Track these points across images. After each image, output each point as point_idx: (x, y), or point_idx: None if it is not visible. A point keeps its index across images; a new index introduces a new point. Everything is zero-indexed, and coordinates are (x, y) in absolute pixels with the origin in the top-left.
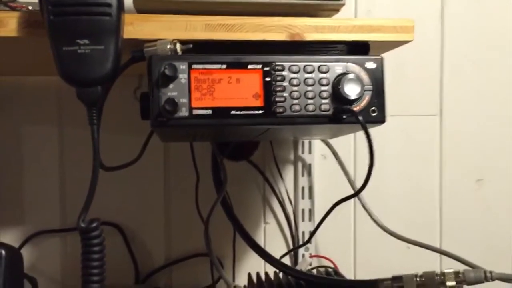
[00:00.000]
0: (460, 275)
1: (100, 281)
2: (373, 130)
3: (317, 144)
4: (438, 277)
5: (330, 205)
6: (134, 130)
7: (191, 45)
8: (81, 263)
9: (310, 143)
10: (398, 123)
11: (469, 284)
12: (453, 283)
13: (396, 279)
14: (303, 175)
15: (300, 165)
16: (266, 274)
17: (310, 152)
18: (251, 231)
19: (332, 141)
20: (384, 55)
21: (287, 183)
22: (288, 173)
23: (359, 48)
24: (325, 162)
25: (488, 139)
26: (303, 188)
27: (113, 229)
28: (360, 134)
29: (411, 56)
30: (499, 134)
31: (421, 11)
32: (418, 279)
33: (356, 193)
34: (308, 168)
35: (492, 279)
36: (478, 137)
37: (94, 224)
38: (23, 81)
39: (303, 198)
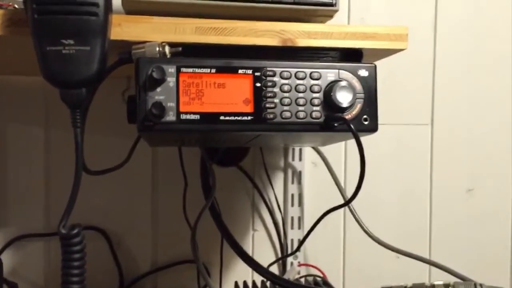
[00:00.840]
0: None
1: None
2: (364, 139)
3: (308, 152)
4: None
5: (320, 213)
6: (123, 133)
7: (180, 48)
8: (61, 270)
9: (300, 150)
10: (389, 132)
11: None
12: None
13: None
14: (293, 183)
15: (290, 172)
16: (254, 283)
17: (300, 159)
18: (239, 238)
19: (323, 149)
20: (376, 63)
21: (276, 190)
22: (278, 180)
23: (352, 56)
24: (316, 169)
25: (480, 149)
26: (292, 195)
27: (98, 233)
28: (351, 142)
29: (403, 65)
30: (490, 144)
31: (414, 20)
32: None
33: (347, 203)
34: (298, 176)
35: None
36: (470, 147)
37: (75, 231)
38: (9, 81)
39: (292, 205)
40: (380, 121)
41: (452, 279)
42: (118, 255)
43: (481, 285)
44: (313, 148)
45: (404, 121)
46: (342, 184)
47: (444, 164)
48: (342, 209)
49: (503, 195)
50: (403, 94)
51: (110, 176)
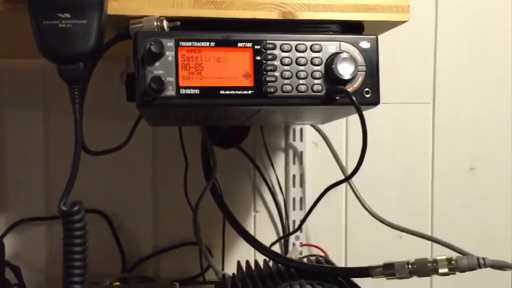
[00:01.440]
0: (452, 262)
1: (83, 267)
2: (366, 117)
3: (309, 132)
4: (430, 264)
5: (320, 192)
6: (123, 116)
7: (178, 23)
8: (63, 248)
9: (301, 130)
10: (391, 111)
11: (461, 271)
12: (446, 270)
13: (388, 266)
14: (294, 163)
15: (291, 152)
16: (256, 262)
17: (301, 139)
18: (241, 219)
19: (324, 129)
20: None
21: (277, 171)
22: (279, 161)
23: (353, 29)
24: (317, 150)
25: (482, 128)
26: (294, 176)
27: (100, 216)
28: (352, 121)
29: (405, 43)
30: (492, 123)
31: None
32: (410, 266)
33: (347, 178)
34: (299, 156)
35: (485, 266)
36: (472, 125)
37: (76, 208)
38: (8, 64)
39: (294, 186)
40: (382, 100)
41: (455, 255)
42: (120, 238)
43: (484, 258)
44: (314, 127)
45: (406, 99)
46: (344, 164)
47: (446, 143)
48: (344, 189)
49: (505, 174)
50: (405, 73)
51: (111, 158)
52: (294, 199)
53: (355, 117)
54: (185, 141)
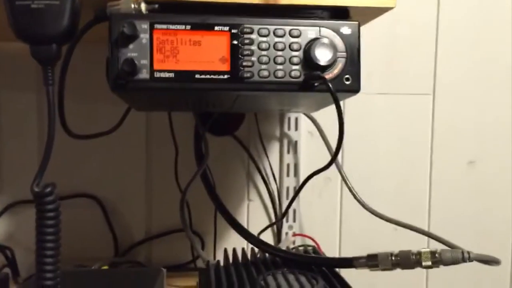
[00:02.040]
0: (436, 255)
1: (55, 248)
2: (363, 108)
3: (304, 121)
4: (413, 257)
5: (315, 183)
6: (115, 101)
7: (156, 5)
8: (36, 230)
9: (296, 119)
10: (390, 102)
11: (445, 264)
12: (429, 263)
13: (371, 257)
14: (288, 152)
15: (286, 142)
16: (243, 250)
17: (296, 128)
18: (234, 208)
19: (318, 118)
20: (376, 30)
21: (272, 160)
22: (274, 150)
23: (338, 15)
24: (312, 139)
25: (482, 121)
26: (288, 165)
27: (93, 201)
28: (348, 111)
29: (405, 33)
30: (492, 116)
31: None
32: (393, 258)
33: (327, 166)
34: (294, 145)
35: (470, 260)
36: (472, 118)
37: (49, 189)
38: (1, 47)
39: (288, 175)
40: (381, 90)
41: (440, 248)
42: (112, 223)
43: (468, 252)
44: (308, 116)
45: (406, 91)
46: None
47: (445, 135)
48: (339, 180)
49: (504, 167)
50: (405, 63)
51: (104, 143)
52: (287, 188)
53: (351, 106)
54: (179, 128)
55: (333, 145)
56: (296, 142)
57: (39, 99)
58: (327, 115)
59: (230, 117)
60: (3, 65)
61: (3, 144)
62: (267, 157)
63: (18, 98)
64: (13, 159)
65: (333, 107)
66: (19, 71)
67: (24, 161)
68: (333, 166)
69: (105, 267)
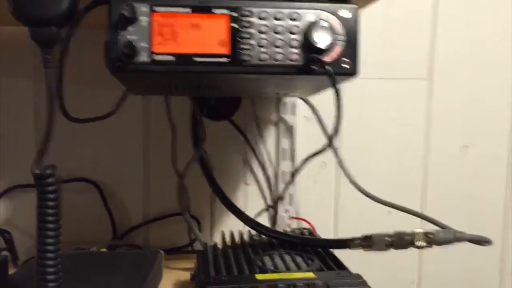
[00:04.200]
0: (430, 236)
1: (56, 229)
2: (359, 93)
3: (301, 106)
4: (407, 237)
5: (312, 167)
6: (115, 85)
7: None
8: (36, 212)
9: (293, 104)
10: (386, 86)
11: (438, 244)
12: (422, 243)
13: (366, 238)
14: (285, 137)
15: (282, 126)
16: (240, 232)
17: (293, 113)
18: (231, 192)
19: (315, 103)
20: (372, 15)
21: (268, 145)
22: (270, 134)
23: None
24: (308, 124)
25: (477, 106)
26: (284, 150)
27: (90, 185)
28: (344, 96)
29: (400, 17)
30: (488, 101)
31: None
32: (388, 238)
33: (324, 148)
34: (290, 130)
35: (462, 240)
36: (467, 103)
37: (49, 171)
38: None
39: (284, 160)
40: (377, 75)
41: (433, 229)
42: (110, 206)
43: (461, 232)
44: (305, 101)
45: (402, 75)
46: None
47: (440, 120)
48: (334, 164)
49: (498, 152)
50: (401, 48)
51: (102, 128)
52: (284, 172)
53: (346, 91)
54: (176, 112)
55: (330, 129)
56: (292, 126)
57: (35, 84)
58: (324, 100)
59: (226, 102)
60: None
61: (1, 129)
62: (264, 141)
63: (15, 83)
64: (10, 143)
65: (330, 92)
66: (16, 56)
67: (22, 145)
68: (329, 151)
69: (104, 250)
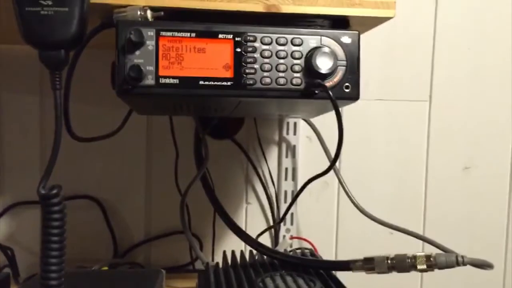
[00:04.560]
0: (431, 259)
1: (60, 249)
2: (361, 114)
3: (302, 126)
4: (409, 260)
5: (313, 187)
6: (121, 103)
7: (162, 13)
8: (41, 231)
9: (295, 124)
10: (386, 108)
11: (440, 268)
12: (424, 266)
13: (368, 260)
14: (287, 156)
15: (284, 146)
16: (242, 252)
17: (295, 133)
18: (233, 211)
19: (317, 123)
20: (374, 37)
21: (270, 164)
22: (272, 153)
23: (339, 24)
24: (310, 144)
25: (477, 127)
26: (286, 169)
27: (93, 202)
28: (346, 116)
29: (402, 40)
30: (488, 123)
31: None
32: (389, 261)
33: (326, 171)
34: (292, 149)
35: (464, 264)
36: (467, 124)
37: (55, 191)
38: (4, 50)
39: (286, 179)
40: (378, 96)
41: (435, 252)
42: (112, 224)
43: (462, 256)
44: (307, 121)
45: (402, 97)
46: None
47: (441, 142)
48: (336, 184)
49: (499, 174)
50: (402, 70)
51: (106, 146)
52: (285, 192)
53: (348, 112)
54: (179, 131)
55: (331, 149)
56: (294, 146)
57: (41, 101)
58: (325, 120)
59: (229, 121)
60: (7, 67)
61: (5, 145)
62: (266, 160)
63: (21, 100)
64: (14, 160)
65: (331, 112)
66: (22, 74)
67: (25, 162)
68: (331, 171)
69: (105, 268)
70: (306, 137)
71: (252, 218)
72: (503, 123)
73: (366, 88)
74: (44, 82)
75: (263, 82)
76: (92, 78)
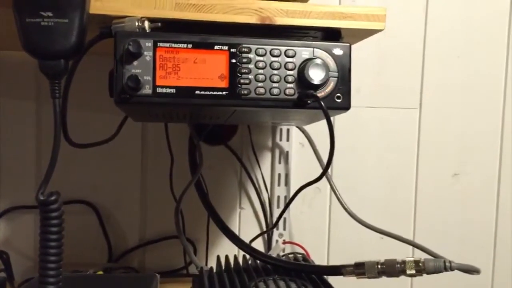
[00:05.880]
0: (420, 264)
1: (58, 254)
2: (352, 121)
3: (295, 132)
4: (398, 265)
5: (306, 193)
6: (114, 110)
7: (159, 24)
8: (39, 236)
9: (288, 130)
10: (377, 115)
11: (428, 273)
12: (413, 271)
13: (359, 265)
14: (280, 162)
15: (277, 152)
16: (235, 257)
17: (288, 139)
18: (226, 216)
19: (309, 130)
20: (366, 46)
21: (263, 170)
22: (265, 159)
23: (331, 36)
24: (303, 150)
25: (467, 134)
26: (279, 175)
27: (88, 207)
28: (339, 124)
29: (393, 48)
30: (478, 130)
31: (405, 2)
32: (379, 266)
33: (318, 178)
34: (285, 156)
35: (452, 269)
36: (457, 132)
37: (53, 197)
38: (2, 56)
39: (279, 185)
40: (368, 104)
41: (423, 258)
42: (107, 228)
43: (450, 262)
44: (299, 128)
45: (393, 104)
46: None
47: (431, 148)
48: (328, 190)
49: (488, 180)
50: (392, 78)
51: (100, 151)
52: (278, 197)
53: (341, 120)
54: (174, 137)
55: (323, 156)
56: (287, 152)
57: (38, 107)
58: (317, 127)
59: (223, 128)
60: (2, 73)
61: (1, 151)
62: (259, 166)
63: (17, 106)
64: (10, 165)
65: (323, 120)
66: (18, 80)
67: (21, 167)
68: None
69: (100, 273)
70: (299, 143)
71: (246, 223)
72: (492, 130)
73: (358, 95)
74: (41, 88)
75: (257, 92)
76: (87, 84)
